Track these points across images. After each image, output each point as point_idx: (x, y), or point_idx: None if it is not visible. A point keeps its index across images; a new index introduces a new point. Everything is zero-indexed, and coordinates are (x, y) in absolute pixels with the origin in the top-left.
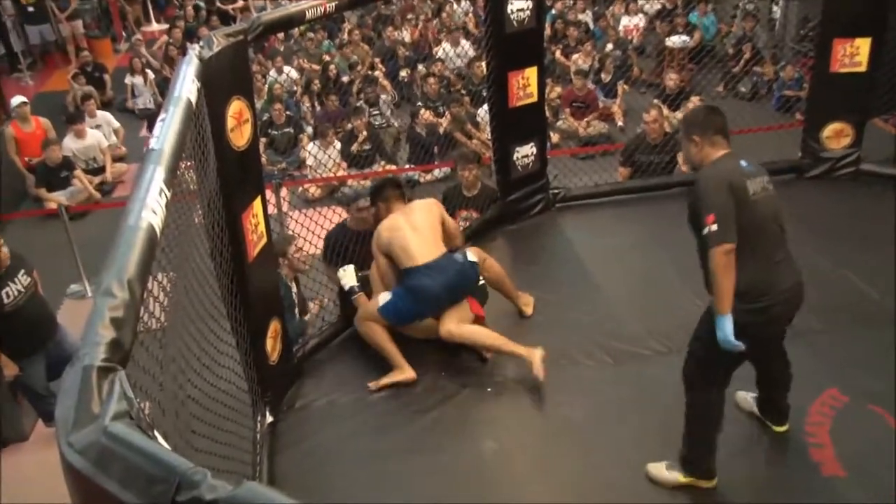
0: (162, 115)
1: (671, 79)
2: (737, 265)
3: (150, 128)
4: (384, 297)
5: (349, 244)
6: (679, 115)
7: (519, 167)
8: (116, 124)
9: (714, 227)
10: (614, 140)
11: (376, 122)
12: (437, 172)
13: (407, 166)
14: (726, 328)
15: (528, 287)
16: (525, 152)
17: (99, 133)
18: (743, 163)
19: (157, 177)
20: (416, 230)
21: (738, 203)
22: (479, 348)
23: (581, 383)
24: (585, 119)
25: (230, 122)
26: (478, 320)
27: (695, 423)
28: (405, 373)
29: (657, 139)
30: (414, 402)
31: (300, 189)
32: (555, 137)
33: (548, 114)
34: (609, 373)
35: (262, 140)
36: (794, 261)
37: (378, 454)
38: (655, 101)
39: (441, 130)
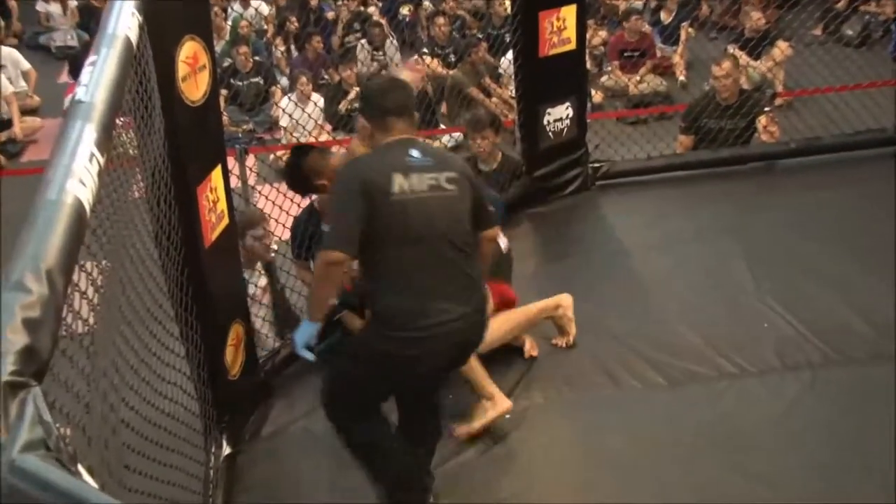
0: (91, 58)
1: (752, 19)
2: (375, 279)
3: (74, 73)
4: None
5: (321, 232)
6: (762, 66)
7: (550, 134)
8: (26, 65)
9: (327, 229)
10: (674, 100)
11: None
12: (445, 139)
13: None
14: (304, 334)
15: (560, 286)
16: (559, 115)
17: (1, 76)
18: (414, 152)
19: (86, 137)
20: None
21: (373, 205)
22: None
23: (625, 410)
24: (638, 72)
25: (182, 69)
26: (507, 305)
27: (371, 465)
28: (502, 403)
29: (730, 99)
30: None
31: (272, 157)
32: (597, 96)
33: (589, 65)
34: (661, 397)
35: (224, 93)
36: (475, 288)
37: (368, 496)
38: (729, 48)
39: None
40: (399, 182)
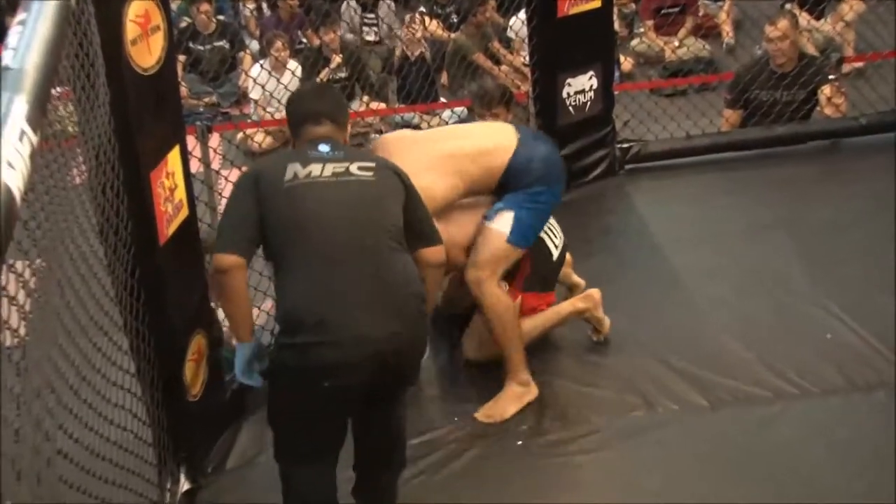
0: (20, 16)
1: None
2: (277, 282)
3: None
4: (505, 219)
5: None
6: (826, 26)
7: (571, 108)
8: None
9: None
10: (719, 68)
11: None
12: (446, 115)
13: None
14: (240, 358)
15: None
16: (581, 86)
17: None
18: (324, 147)
19: (15, 112)
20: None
21: (265, 199)
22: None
23: (660, 438)
24: (676, 34)
25: (131, 31)
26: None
27: None
28: (534, 390)
29: (787, 66)
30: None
31: (239, 136)
32: (627, 63)
33: (617, 26)
34: (703, 422)
35: (181, 59)
36: (401, 295)
37: None
38: (786, 4)
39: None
40: (294, 170)
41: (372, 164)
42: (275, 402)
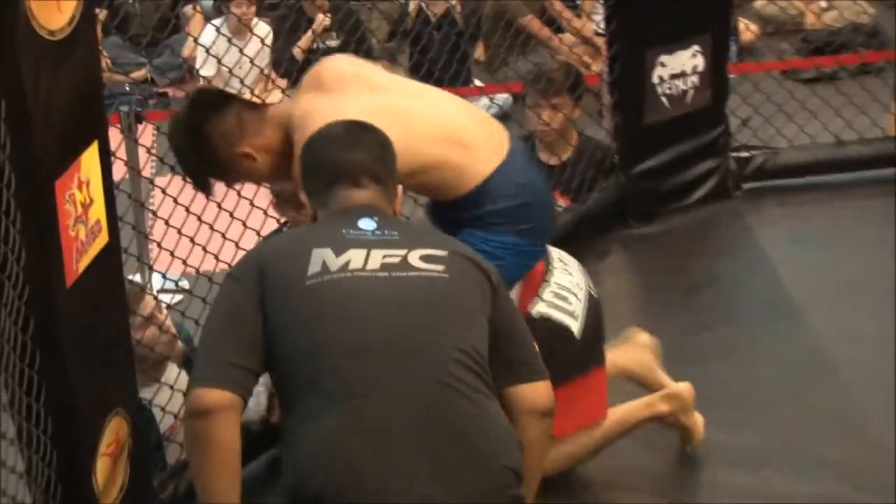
0: None
1: None
2: (286, 425)
3: None
4: None
5: None
6: None
7: (664, 99)
8: None
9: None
10: (886, 42)
11: None
12: (482, 104)
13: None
14: None
15: (678, 365)
16: (680, 66)
17: None
18: (366, 223)
19: None
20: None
21: (276, 299)
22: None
23: None
24: None
25: None
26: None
27: None
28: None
29: None
30: None
31: None
32: (748, 33)
33: None
34: None
35: (102, 16)
36: (482, 469)
37: None
38: None
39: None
40: (323, 259)
41: (442, 253)
42: None
